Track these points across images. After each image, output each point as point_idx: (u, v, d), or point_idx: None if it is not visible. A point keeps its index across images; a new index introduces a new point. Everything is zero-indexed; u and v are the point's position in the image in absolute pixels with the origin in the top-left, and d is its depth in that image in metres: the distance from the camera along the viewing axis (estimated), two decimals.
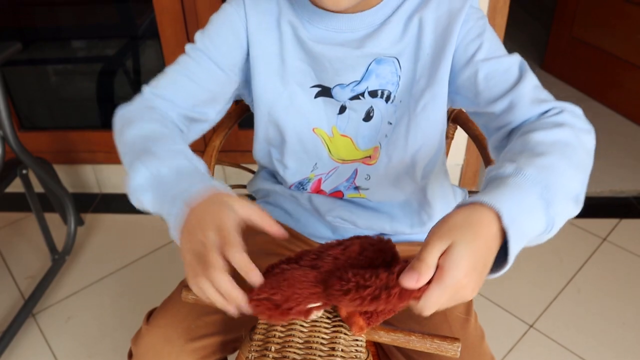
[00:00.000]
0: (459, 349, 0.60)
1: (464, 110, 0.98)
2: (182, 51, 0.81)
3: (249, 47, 0.81)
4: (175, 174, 0.65)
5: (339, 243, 0.60)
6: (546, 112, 0.69)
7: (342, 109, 0.82)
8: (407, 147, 0.80)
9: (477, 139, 0.95)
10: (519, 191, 0.54)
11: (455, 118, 1.03)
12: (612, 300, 1.57)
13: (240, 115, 1.00)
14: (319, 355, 0.57)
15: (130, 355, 0.83)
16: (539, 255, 1.72)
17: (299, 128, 0.83)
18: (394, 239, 0.90)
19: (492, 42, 0.75)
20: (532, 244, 0.56)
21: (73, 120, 2.22)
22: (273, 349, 0.58)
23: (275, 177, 0.93)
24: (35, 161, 1.59)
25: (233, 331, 0.79)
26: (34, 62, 2.13)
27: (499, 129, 0.74)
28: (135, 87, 2.18)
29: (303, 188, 0.89)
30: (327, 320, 0.60)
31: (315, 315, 0.59)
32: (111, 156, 2.01)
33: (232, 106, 0.89)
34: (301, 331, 0.59)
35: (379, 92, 0.80)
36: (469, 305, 0.82)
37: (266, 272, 0.59)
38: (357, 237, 0.59)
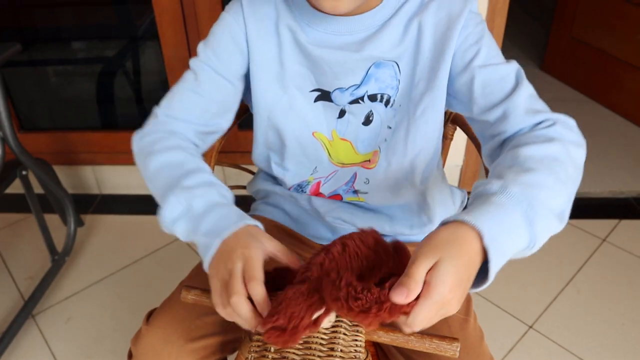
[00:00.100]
0: (458, 349, 0.60)
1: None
2: (182, 51, 0.82)
3: (250, 54, 0.81)
4: (209, 208, 0.68)
5: (323, 249, 0.60)
6: (540, 123, 0.69)
7: (342, 113, 0.82)
8: (407, 152, 0.81)
9: (476, 140, 0.95)
10: (502, 210, 0.56)
11: (455, 119, 1.03)
12: (612, 301, 1.58)
13: (240, 116, 1.00)
14: (318, 356, 0.57)
15: (130, 355, 0.83)
16: (539, 256, 1.71)
17: (298, 132, 0.83)
18: (393, 239, 0.91)
19: (490, 48, 0.75)
20: (516, 257, 0.58)
21: (73, 121, 2.22)
22: (272, 349, 0.58)
23: (275, 178, 0.94)
24: (35, 162, 1.59)
25: (232, 331, 0.79)
26: (34, 63, 2.13)
27: (492, 137, 0.75)
28: (135, 89, 2.18)
29: (302, 190, 0.89)
30: None
31: (328, 322, 0.59)
32: (111, 157, 2.01)
33: None
34: None
35: (379, 96, 0.80)
36: (468, 305, 0.82)
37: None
38: (342, 237, 0.59)
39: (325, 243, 0.92)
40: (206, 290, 0.68)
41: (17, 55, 1.46)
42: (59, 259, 1.74)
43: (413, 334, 0.60)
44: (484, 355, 0.78)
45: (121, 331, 1.53)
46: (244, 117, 0.99)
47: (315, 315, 0.56)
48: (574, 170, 0.65)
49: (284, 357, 0.57)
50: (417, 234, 0.91)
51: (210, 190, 0.70)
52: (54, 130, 2.06)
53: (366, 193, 0.86)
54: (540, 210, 0.57)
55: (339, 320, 0.60)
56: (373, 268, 0.57)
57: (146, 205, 2.01)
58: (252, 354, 0.59)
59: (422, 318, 0.51)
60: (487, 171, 0.79)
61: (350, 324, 0.60)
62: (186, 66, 0.83)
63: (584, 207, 1.95)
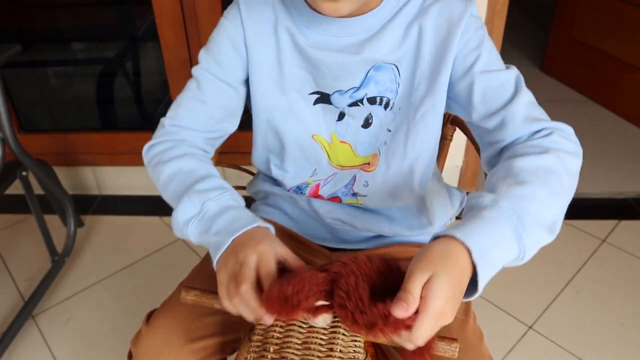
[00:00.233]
0: (457, 350, 0.60)
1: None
2: (182, 52, 0.82)
3: (248, 57, 0.81)
4: (222, 210, 0.70)
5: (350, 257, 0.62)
6: (537, 132, 0.70)
7: (341, 116, 0.82)
8: (406, 155, 0.81)
9: (475, 141, 0.95)
10: (492, 224, 0.58)
11: (454, 120, 1.03)
12: (611, 301, 1.58)
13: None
14: (317, 356, 0.57)
15: (130, 356, 0.83)
16: (539, 257, 1.71)
17: (298, 135, 0.83)
18: (393, 240, 0.91)
19: (490, 53, 0.75)
20: (508, 266, 0.60)
21: (73, 122, 2.22)
22: (271, 349, 0.58)
23: (274, 179, 0.94)
24: (35, 163, 1.59)
25: (232, 332, 0.79)
26: (34, 64, 2.13)
27: (491, 145, 0.76)
28: (134, 90, 2.18)
29: (301, 192, 0.90)
30: None
31: (323, 320, 0.59)
32: (111, 158, 2.01)
33: None
34: (300, 332, 0.59)
35: (378, 99, 0.80)
36: (467, 306, 0.82)
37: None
38: (366, 253, 0.61)
39: (324, 244, 0.93)
40: (206, 291, 0.68)
41: (17, 56, 1.46)
42: (59, 260, 1.74)
43: None
44: (483, 356, 0.79)
45: (121, 332, 1.53)
46: (244, 119, 0.99)
47: (319, 303, 0.57)
48: (568, 180, 0.66)
49: (283, 357, 0.57)
50: (417, 235, 0.91)
51: (224, 194, 0.72)
52: (54, 131, 2.06)
53: (365, 196, 0.86)
54: (530, 224, 0.59)
55: (337, 321, 0.60)
56: (379, 289, 0.58)
57: (146, 206, 2.02)
58: (252, 354, 0.59)
59: (424, 332, 0.53)
60: (486, 175, 0.80)
61: None
62: (186, 67, 0.84)
63: (584, 208, 1.95)
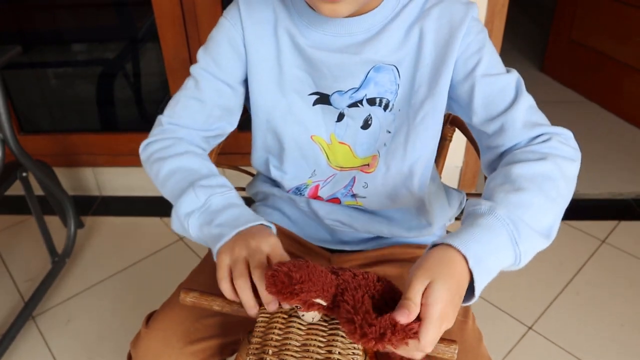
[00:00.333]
0: (456, 351, 0.60)
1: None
2: (182, 53, 0.82)
3: (247, 57, 0.81)
4: (227, 206, 0.72)
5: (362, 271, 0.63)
6: (537, 137, 0.71)
7: (341, 117, 0.82)
8: (406, 157, 0.81)
9: (475, 142, 0.95)
10: (488, 232, 0.60)
11: (454, 120, 1.03)
12: (611, 302, 1.58)
13: (240, 118, 1.00)
14: (316, 358, 0.57)
15: (129, 358, 0.83)
16: (538, 257, 1.70)
17: (297, 136, 0.84)
18: (392, 241, 0.91)
19: (491, 57, 0.76)
20: (505, 270, 0.62)
21: (73, 123, 2.22)
22: (270, 351, 0.58)
23: (274, 180, 0.94)
24: (35, 164, 1.59)
25: (231, 334, 0.79)
26: (34, 65, 2.13)
27: (490, 149, 0.77)
28: (135, 91, 2.18)
29: (300, 193, 0.90)
30: (324, 324, 0.60)
31: (313, 317, 0.60)
32: (111, 159, 2.01)
33: None
34: (298, 334, 0.59)
35: (377, 100, 0.80)
36: (466, 307, 0.82)
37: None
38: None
39: (323, 245, 0.93)
40: (205, 293, 0.68)
41: (18, 57, 1.46)
42: (59, 261, 1.74)
43: None
44: (482, 357, 0.79)
45: (121, 333, 1.53)
46: (244, 119, 1.00)
47: (317, 300, 0.57)
48: (565, 186, 0.68)
49: (282, 359, 0.57)
50: (416, 236, 0.91)
51: (230, 192, 0.74)
52: (54, 132, 2.07)
53: (364, 197, 0.86)
54: (525, 231, 0.61)
55: (336, 324, 0.60)
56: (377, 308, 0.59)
57: (146, 207, 2.02)
58: (251, 357, 0.59)
59: (430, 337, 0.54)
60: (486, 178, 0.81)
61: None
62: (186, 68, 0.84)
63: (584, 209, 1.95)
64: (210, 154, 0.96)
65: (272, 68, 0.81)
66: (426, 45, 0.76)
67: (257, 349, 0.59)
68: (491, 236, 0.60)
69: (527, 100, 0.74)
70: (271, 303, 0.62)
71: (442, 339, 0.59)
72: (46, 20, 2.04)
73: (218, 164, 1.01)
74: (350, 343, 0.58)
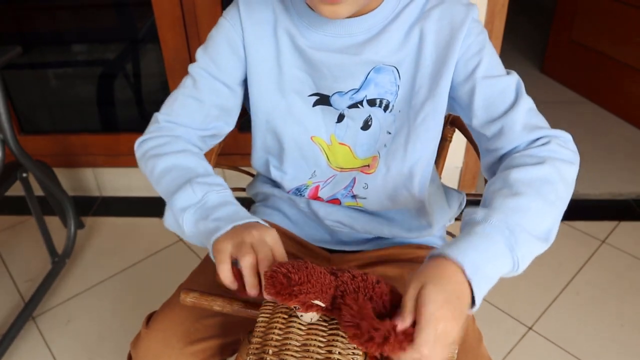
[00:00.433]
0: (456, 351, 0.60)
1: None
2: (182, 54, 0.82)
3: (247, 58, 0.81)
4: (223, 203, 0.71)
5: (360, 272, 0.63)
6: (536, 140, 0.72)
7: (341, 117, 0.82)
8: (406, 158, 0.81)
9: (474, 143, 0.95)
10: (484, 240, 0.60)
11: (453, 121, 1.03)
12: (611, 302, 1.58)
13: (240, 118, 1.00)
14: (316, 358, 0.57)
15: (129, 358, 0.83)
16: (538, 258, 1.71)
17: (297, 136, 0.84)
18: (392, 241, 0.91)
19: (491, 58, 0.76)
20: (504, 277, 0.62)
21: (73, 123, 2.22)
22: (271, 351, 0.58)
23: (274, 180, 0.94)
24: (36, 164, 1.59)
25: (232, 334, 0.79)
26: (35, 65, 2.13)
27: (490, 152, 0.77)
28: (135, 91, 2.18)
29: (301, 194, 0.90)
30: (324, 324, 0.60)
31: (311, 317, 0.60)
32: (111, 159, 2.01)
33: None
34: (299, 334, 0.59)
35: (377, 101, 0.80)
36: None
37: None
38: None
39: (324, 246, 0.93)
40: (205, 293, 0.68)
41: (18, 58, 1.46)
42: (59, 261, 1.74)
43: None
44: (482, 357, 0.79)
45: (121, 333, 1.53)
46: (244, 120, 1.00)
47: (316, 301, 0.57)
48: (564, 189, 0.68)
49: (282, 359, 0.57)
50: (417, 237, 0.91)
51: (226, 190, 0.74)
52: (54, 133, 2.07)
53: (364, 198, 0.86)
54: (522, 237, 0.61)
55: (336, 324, 0.60)
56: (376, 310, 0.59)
57: (146, 207, 2.02)
58: (251, 357, 0.59)
59: (424, 338, 0.53)
60: (486, 180, 0.82)
61: None
62: (186, 69, 0.84)
63: (584, 209, 1.95)
64: (210, 155, 0.96)
65: (271, 69, 0.81)
66: (427, 46, 0.76)
67: (257, 348, 0.59)
68: (487, 244, 0.60)
69: (527, 103, 0.74)
70: (232, 285, 0.63)
71: None
72: (46, 21, 2.04)
73: (218, 164, 1.01)
74: (350, 343, 0.58)
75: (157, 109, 0.85)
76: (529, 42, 3.35)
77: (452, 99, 0.78)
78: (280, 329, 0.60)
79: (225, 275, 0.63)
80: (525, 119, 0.73)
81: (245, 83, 0.85)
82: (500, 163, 0.74)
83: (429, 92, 0.77)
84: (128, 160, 1.97)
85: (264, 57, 0.81)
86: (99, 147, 2.01)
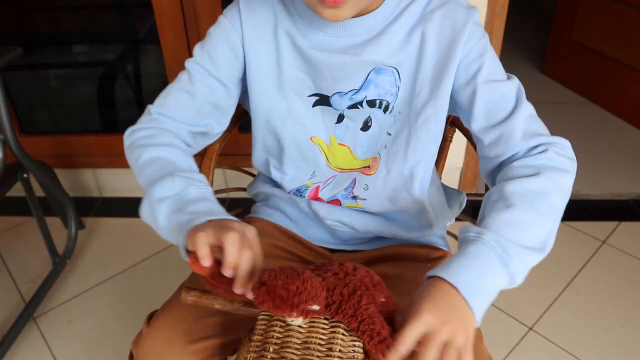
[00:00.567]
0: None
1: None
2: (183, 55, 0.82)
3: (246, 58, 0.81)
4: (202, 198, 0.70)
5: (338, 263, 0.64)
6: (534, 147, 0.73)
7: (340, 118, 0.82)
8: (407, 159, 0.81)
9: (474, 143, 0.95)
10: (476, 259, 0.63)
11: (454, 121, 1.03)
12: (612, 302, 1.58)
13: (240, 119, 1.00)
14: (317, 356, 0.57)
15: (131, 357, 0.83)
16: None
17: (296, 137, 0.84)
18: (393, 241, 0.92)
19: (492, 63, 0.76)
20: (503, 289, 0.65)
21: (74, 124, 2.22)
22: (271, 349, 0.58)
23: (274, 180, 0.94)
24: (36, 165, 1.60)
25: (233, 333, 0.79)
26: (35, 66, 2.13)
27: (489, 160, 0.78)
28: (135, 92, 2.19)
29: (301, 195, 0.90)
30: (325, 321, 0.60)
31: (302, 320, 0.60)
32: (112, 160, 2.01)
33: None
34: (299, 332, 0.59)
35: (377, 102, 0.80)
36: None
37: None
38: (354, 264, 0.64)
39: (324, 245, 0.93)
40: (206, 291, 0.68)
41: (19, 59, 1.46)
42: (60, 262, 1.74)
43: None
44: (482, 356, 0.79)
45: (122, 333, 1.53)
46: (245, 120, 1.00)
47: (310, 307, 0.58)
48: (560, 199, 0.70)
49: (283, 357, 0.57)
50: (417, 236, 0.91)
51: (208, 188, 0.73)
52: (55, 134, 2.07)
53: (365, 199, 0.86)
54: (515, 251, 0.64)
55: (337, 321, 0.60)
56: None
57: None
58: (251, 354, 0.59)
59: (405, 335, 0.56)
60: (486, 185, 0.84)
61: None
62: None
63: (584, 209, 1.95)
64: (210, 155, 0.96)
65: (271, 69, 0.81)
66: (428, 48, 0.76)
67: (258, 346, 0.59)
68: (480, 262, 0.63)
69: (527, 109, 0.75)
70: (206, 259, 0.60)
71: None
72: (47, 22, 2.04)
73: (219, 164, 1.01)
74: (351, 340, 0.58)
75: None
76: (529, 43, 3.35)
77: (453, 101, 0.79)
78: (281, 326, 0.60)
79: (202, 248, 0.60)
80: (524, 126, 0.74)
81: (241, 83, 0.85)
82: (500, 170, 0.75)
83: (430, 94, 0.77)
84: None
85: (263, 57, 0.81)
86: (100, 148, 2.01)
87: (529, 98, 0.76)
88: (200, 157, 0.96)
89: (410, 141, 0.80)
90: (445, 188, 1.00)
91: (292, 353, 0.57)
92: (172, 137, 0.80)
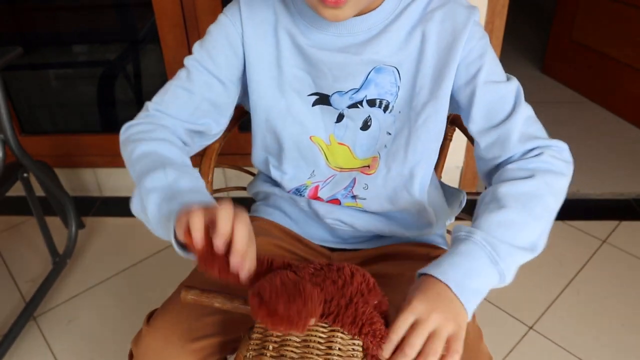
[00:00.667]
0: (461, 349, 0.61)
1: None
2: (183, 55, 0.82)
3: (246, 57, 0.81)
4: (194, 190, 0.70)
5: (336, 267, 0.64)
6: (531, 150, 0.74)
7: (340, 117, 0.82)
8: (407, 159, 0.81)
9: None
10: (466, 257, 0.65)
11: (454, 120, 1.03)
12: (612, 301, 1.58)
13: (240, 118, 1.00)
14: (316, 354, 0.57)
15: (130, 356, 0.83)
16: (539, 257, 1.71)
17: (296, 136, 0.84)
18: (393, 239, 0.92)
19: (492, 64, 0.77)
20: (494, 288, 0.66)
21: (74, 124, 2.23)
22: (271, 347, 0.58)
23: (274, 179, 0.94)
24: (36, 164, 1.60)
25: (232, 332, 0.79)
26: (35, 66, 2.13)
27: (486, 161, 0.79)
28: (135, 92, 2.19)
29: (300, 194, 0.90)
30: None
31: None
32: (112, 160, 2.01)
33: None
34: None
35: (377, 102, 0.80)
36: None
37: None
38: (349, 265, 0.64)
39: (324, 244, 0.93)
40: (206, 290, 0.68)
41: (19, 59, 1.46)
42: (60, 261, 1.74)
43: None
44: (482, 354, 0.79)
45: (122, 333, 1.53)
46: (245, 119, 1.00)
47: (312, 320, 0.58)
48: (553, 201, 0.71)
49: (282, 355, 0.57)
50: (417, 235, 0.91)
51: (201, 181, 0.73)
52: (55, 134, 2.07)
53: (364, 199, 0.86)
54: (504, 250, 0.65)
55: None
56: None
57: None
58: (251, 352, 0.59)
59: (397, 324, 0.59)
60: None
61: None
62: None
63: (585, 209, 1.95)
64: (210, 154, 0.96)
65: (271, 68, 0.81)
66: (428, 48, 0.76)
67: (257, 344, 0.59)
68: (470, 261, 0.65)
69: (525, 111, 0.75)
70: (199, 243, 0.58)
71: None
72: (47, 22, 2.04)
73: (218, 164, 1.01)
74: (350, 339, 0.58)
75: None
76: (529, 42, 3.35)
77: (453, 101, 0.79)
78: None
79: (197, 222, 0.57)
80: (522, 129, 0.74)
81: (240, 82, 0.84)
82: (497, 171, 0.76)
83: (430, 94, 0.77)
84: None
85: (264, 56, 0.81)
86: (100, 148, 2.01)
87: (529, 97, 0.76)
88: (200, 157, 0.96)
89: (410, 141, 0.80)
90: (445, 187, 1.00)
91: (292, 351, 0.57)
92: (168, 133, 0.79)
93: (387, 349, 0.59)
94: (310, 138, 0.84)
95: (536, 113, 0.78)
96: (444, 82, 0.76)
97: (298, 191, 0.89)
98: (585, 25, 2.63)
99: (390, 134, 0.81)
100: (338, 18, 0.69)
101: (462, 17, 0.75)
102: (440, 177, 1.09)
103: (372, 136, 0.83)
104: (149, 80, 2.13)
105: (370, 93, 0.79)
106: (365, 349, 0.59)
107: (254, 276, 0.61)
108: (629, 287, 1.62)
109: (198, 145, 0.86)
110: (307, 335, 0.59)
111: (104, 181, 2.11)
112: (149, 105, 0.82)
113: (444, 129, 0.80)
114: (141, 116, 0.82)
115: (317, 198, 0.89)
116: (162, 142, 0.76)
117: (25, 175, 1.61)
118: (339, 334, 0.58)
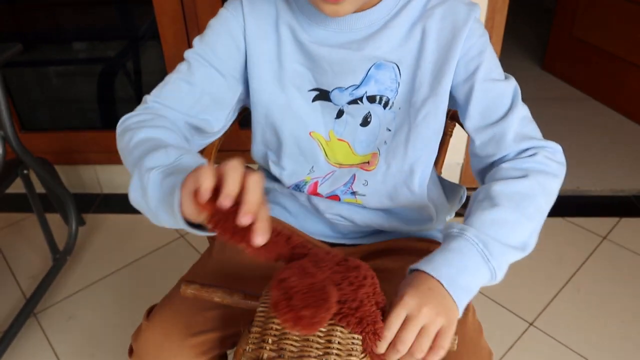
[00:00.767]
0: (456, 342, 0.61)
1: None
2: (183, 51, 0.82)
3: (247, 51, 0.81)
4: (197, 165, 0.62)
5: (353, 265, 0.62)
6: (525, 150, 0.75)
7: (340, 113, 0.82)
8: (407, 155, 0.81)
9: None
10: (458, 254, 0.65)
11: (454, 116, 1.03)
12: (612, 298, 1.58)
13: (240, 114, 1.00)
14: (316, 348, 0.57)
15: (130, 351, 0.83)
16: (539, 254, 1.71)
17: (295, 132, 0.83)
18: (392, 235, 0.91)
19: (491, 62, 0.77)
20: (485, 285, 0.67)
21: (74, 121, 2.23)
22: (270, 341, 0.58)
23: (273, 174, 0.94)
24: (37, 161, 1.60)
25: (231, 326, 0.79)
26: (35, 63, 2.13)
27: (480, 158, 0.79)
28: (135, 88, 2.19)
29: (300, 190, 0.90)
30: None
31: None
32: (112, 156, 2.01)
33: None
34: None
35: (377, 98, 0.80)
36: None
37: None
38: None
39: (324, 239, 0.93)
40: (206, 285, 0.68)
41: (19, 56, 1.46)
42: (61, 258, 1.75)
43: None
44: (482, 349, 0.79)
45: (123, 329, 1.53)
46: (245, 115, 1.00)
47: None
48: (545, 201, 0.72)
49: (282, 349, 0.57)
50: (417, 230, 0.91)
51: (205, 160, 0.68)
52: (55, 130, 2.07)
53: (364, 195, 0.86)
54: (496, 248, 0.66)
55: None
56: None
57: None
58: (250, 346, 0.59)
59: (390, 320, 0.59)
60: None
61: None
62: None
63: (585, 205, 1.95)
64: (210, 150, 0.96)
65: (272, 63, 0.81)
66: (429, 44, 0.76)
67: (257, 338, 0.59)
68: (460, 257, 0.65)
69: (521, 111, 0.76)
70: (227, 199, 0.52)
71: None
72: (47, 19, 2.04)
73: (219, 160, 1.01)
74: (350, 333, 0.58)
75: None
76: (530, 39, 3.35)
77: (451, 97, 0.79)
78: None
79: (205, 183, 0.52)
80: (517, 128, 0.75)
81: (242, 78, 0.84)
82: (491, 169, 0.77)
83: (430, 91, 0.77)
84: None
85: (264, 51, 0.81)
86: (100, 144, 2.01)
87: (529, 94, 0.77)
88: (200, 153, 0.96)
89: (410, 137, 0.80)
90: (445, 183, 1.00)
91: (291, 345, 0.57)
92: (167, 122, 0.76)
93: (382, 345, 0.59)
94: (309, 134, 0.84)
95: (536, 110, 0.79)
96: (444, 78, 0.76)
97: (297, 187, 0.89)
98: (586, 22, 2.63)
99: (390, 130, 0.81)
100: (338, 14, 0.69)
101: (462, 14, 0.75)
102: (440, 172, 1.09)
103: (371, 132, 0.82)
104: (149, 77, 2.13)
105: (371, 89, 0.79)
106: (364, 344, 0.59)
107: (271, 246, 0.57)
108: (629, 283, 1.62)
109: (197, 144, 0.84)
110: None
111: (104, 178, 2.11)
112: (148, 97, 0.80)
113: (444, 125, 0.80)
114: (139, 109, 0.80)
115: (317, 194, 0.89)
116: (163, 128, 0.73)
117: (25, 172, 1.61)
118: (339, 328, 0.58)
